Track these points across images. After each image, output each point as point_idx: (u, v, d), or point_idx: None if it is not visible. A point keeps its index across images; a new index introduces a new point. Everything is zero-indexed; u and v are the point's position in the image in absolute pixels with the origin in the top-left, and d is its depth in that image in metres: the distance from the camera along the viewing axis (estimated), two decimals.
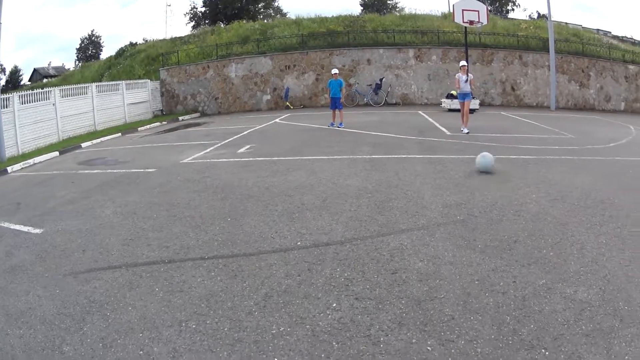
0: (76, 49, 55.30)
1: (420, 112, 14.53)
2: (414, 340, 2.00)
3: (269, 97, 19.51)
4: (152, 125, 15.86)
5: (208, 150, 8.38)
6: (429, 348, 1.94)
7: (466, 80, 9.35)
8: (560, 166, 6.10)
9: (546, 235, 3.35)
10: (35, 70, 55.39)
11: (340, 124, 10.36)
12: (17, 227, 4.60)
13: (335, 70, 10.99)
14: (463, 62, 9.97)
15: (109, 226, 4.26)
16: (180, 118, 17.89)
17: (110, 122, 15.77)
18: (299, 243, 3.37)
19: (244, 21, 26.93)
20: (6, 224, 4.78)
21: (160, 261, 3.23)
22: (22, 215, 5.06)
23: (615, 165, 6.47)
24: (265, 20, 31.92)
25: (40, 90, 13.07)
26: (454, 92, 16.42)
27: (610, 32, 35.33)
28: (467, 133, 9.03)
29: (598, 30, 34.37)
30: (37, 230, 4.36)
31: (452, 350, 1.92)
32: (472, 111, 14.24)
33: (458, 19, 15.50)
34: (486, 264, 2.85)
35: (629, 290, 2.49)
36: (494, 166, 5.49)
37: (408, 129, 9.83)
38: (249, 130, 10.95)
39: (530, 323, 2.12)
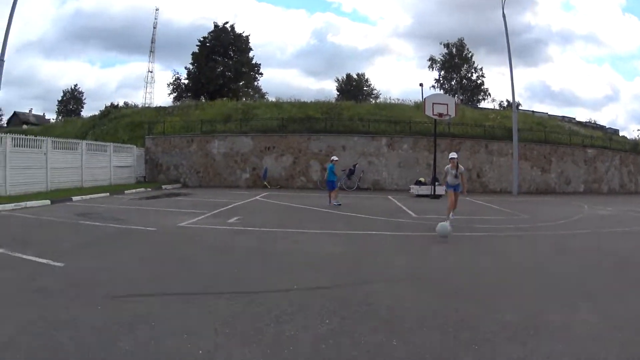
0: (58, 101, 55.64)
1: (390, 197, 16.01)
2: (383, 340, 2.94)
3: (247, 175, 20.61)
4: (139, 190, 16.31)
5: (200, 217, 9.20)
6: (394, 343, 2.90)
7: (456, 175, 8.68)
8: (508, 240, 7.53)
9: (485, 285, 4.51)
10: (15, 113, 54.52)
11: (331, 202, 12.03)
12: (34, 258, 5.04)
13: (336, 157, 13.06)
14: (453, 154, 8.98)
15: (130, 267, 4.94)
16: (164, 187, 18.44)
17: (95, 181, 16.09)
18: (295, 287, 4.29)
19: (227, 99, 28.82)
20: (19, 254, 5.15)
21: (190, 293, 4.03)
22: (35, 249, 5.47)
23: (558, 237, 7.83)
24: (246, 100, 33.86)
25: (33, 137, 13.61)
26: (422, 179, 17.78)
27: (574, 119, 39.66)
28: (454, 218, 8.68)
29: (563, 117, 38.46)
30: (58, 264, 4.86)
31: (410, 346, 2.86)
32: (438, 197, 15.15)
33: (428, 112, 16.77)
34: (436, 303, 3.86)
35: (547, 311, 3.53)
36: (450, 232, 6.85)
37: (379, 211, 11.11)
38: (233, 205, 11.99)
39: (465, 331, 3.14)
